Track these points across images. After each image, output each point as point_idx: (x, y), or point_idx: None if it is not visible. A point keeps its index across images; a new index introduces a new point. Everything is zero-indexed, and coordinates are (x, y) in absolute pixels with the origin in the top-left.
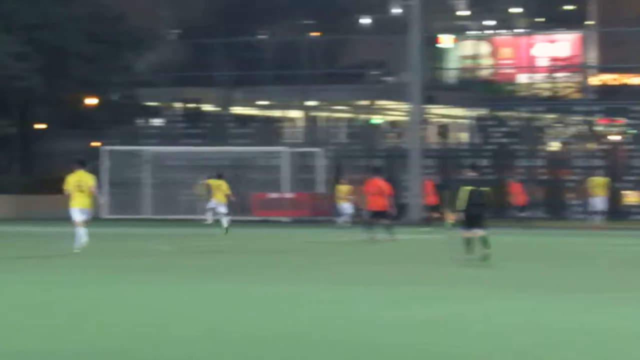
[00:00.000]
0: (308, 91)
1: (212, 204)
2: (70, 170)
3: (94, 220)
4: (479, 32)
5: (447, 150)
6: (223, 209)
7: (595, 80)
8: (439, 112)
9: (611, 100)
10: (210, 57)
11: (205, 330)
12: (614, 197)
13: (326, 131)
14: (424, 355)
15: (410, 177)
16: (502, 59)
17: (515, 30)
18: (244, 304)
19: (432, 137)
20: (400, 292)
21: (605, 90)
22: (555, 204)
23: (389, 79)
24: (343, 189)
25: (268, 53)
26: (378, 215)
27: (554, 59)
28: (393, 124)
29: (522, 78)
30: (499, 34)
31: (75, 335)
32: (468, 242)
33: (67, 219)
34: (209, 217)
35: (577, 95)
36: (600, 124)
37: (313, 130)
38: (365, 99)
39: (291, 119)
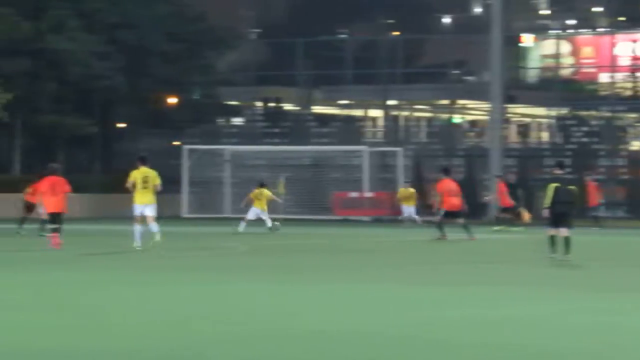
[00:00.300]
0: (388, 90)
1: (251, 215)
2: (134, 167)
3: (174, 218)
4: (560, 31)
5: (527, 149)
6: (264, 216)
7: None
8: (519, 111)
9: None
10: (291, 56)
11: (281, 328)
12: None
13: (406, 130)
14: (498, 355)
15: (490, 177)
16: (583, 58)
17: (597, 30)
18: (325, 303)
19: (513, 137)
20: (477, 291)
21: None
22: (636, 203)
23: (470, 78)
24: (405, 191)
25: (348, 52)
26: (452, 215)
27: (636, 58)
28: (473, 123)
29: (604, 77)
30: (580, 33)
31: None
32: (552, 240)
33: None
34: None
35: None
36: None
37: (393, 130)
38: (445, 98)
39: (372, 118)
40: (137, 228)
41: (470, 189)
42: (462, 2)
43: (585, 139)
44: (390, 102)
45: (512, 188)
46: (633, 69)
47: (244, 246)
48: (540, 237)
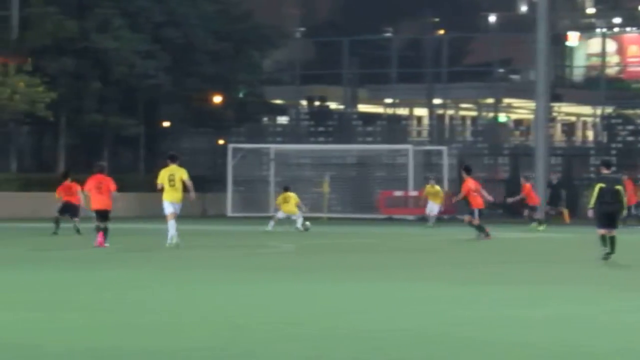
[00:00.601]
0: (434, 89)
1: (280, 214)
2: (164, 165)
3: (219, 217)
4: (606, 30)
5: (572, 148)
6: (295, 217)
7: None
8: (564, 110)
9: None
10: (336, 55)
11: (328, 327)
12: None
13: (451, 129)
14: (549, 354)
15: (536, 176)
16: (629, 56)
17: None
18: (371, 303)
19: (558, 136)
20: (526, 290)
21: None
22: None
23: (515, 76)
24: (431, 189)
25: (394, 51)
26: (479, 212)
27: None
28: (519, 122)
29: None
30: (626, 32)
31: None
32: (604, 240)
33: (190, 217)
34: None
35: None
36: None
37: (438, 128)
38: (491, 96)
39: (417, 117)
40: (171, 224)
41: (516, 188)
42: (507, 1)
43: (630, 138)
44: (435, 101)
45: (554, 188)
46: None
47: (290, 245)
48: (576, 236)
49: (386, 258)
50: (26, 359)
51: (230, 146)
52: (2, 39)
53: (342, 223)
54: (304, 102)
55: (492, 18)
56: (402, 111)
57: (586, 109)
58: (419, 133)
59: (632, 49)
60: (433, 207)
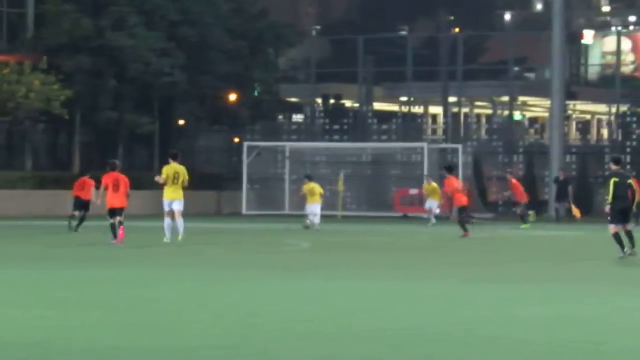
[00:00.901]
0: (449, 87)
1: (310, 208)
2: (166, 163)
3: (234, 215)
4: (621, 28)
5: (587, 147)
6: (318, 210)
7: None
8: (580, 108)
9: None
10: (351, 54)
11: (344, 326)
12: None
13: (467, 127)
14: (563, 352)
15: (551, 174)
16: None
17: None
18: (387, 301)
19: (573, 134)
20: (537, 288)
21: None
22: None
23: (531, 75)
24: (428, 186)
25: (409, 49)
26: (463, 210)
27: None
28: (534, 120)
29: None
30: None
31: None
32: (618, 237)
33: (205, 215)
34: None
35: None
36: None
37: (454, 127)
38: (506, 95)
39: (432, 115)
40: (167, 222)
41: (531, 186)
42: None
43: None
44: (450, 99)
45: (561, 185)
46: None
47: (306, 243)
48: (589, 234)
49: (401, 256)
50: (40, 357)
51: (246, 144)
52: (18, 37)
53: (357, 221)
54: (320, 101)
55: (507, 16)
56: (418, 109)
57: (601, 107)
58: (434, 131)
59: None
60: (432, 205)
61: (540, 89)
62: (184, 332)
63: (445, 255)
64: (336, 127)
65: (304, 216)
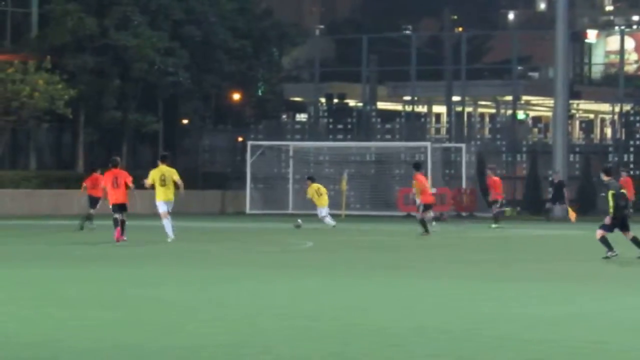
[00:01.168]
0: (453, 86)
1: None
2: (155, 165)
3: (238, 214)
4: (624, 27)
5: (591, 146)
6: (324, 212)
7: None
8: (583, 107)
9: None
10: (355, 53)
11: (347, 324)
12: None
13: (470, 127)
14: (566, 351)
15: (555, 173)
16: None
17: None
18: (390, 300)
19: (576, 133)
20: (544, 288)
21: None
22: None
23: (534, 74)
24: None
25: (413, 48)
26: (427, 207)
27: None
28: (537, 119)
29: None
30: None
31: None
32: (605, 239)
33: (209, 214)
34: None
35: None
36: None
37: (457, 126)
38: (509, 94)
39: (436, 115)
40: (166, 222)
41: (535, 185)
42: None
43: None
44: (454, 98)
45: (556, 187)
46: None
47: (309, 242)
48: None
49: (403, 255)
50: (47, 355)
51: (250, 143)
52: (22, 37)
53: (361, 220)
54: (323, 100)
55: (511, 16)
56: (421, 108)
57: (604, 107)
58: (438, 130)
59: None
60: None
61: (543, 88)
62: (189, 330)
63: (447, 254)
64: (340, 126)
65: (318, 219)
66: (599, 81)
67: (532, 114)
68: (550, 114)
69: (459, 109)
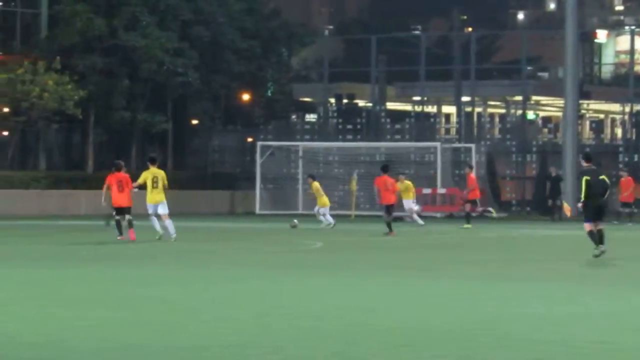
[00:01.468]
0: (462, 87)
1: (322, 210)
2: (145, 168)
3: (248, 214)
4: (634, 27)
5: (601, 146)
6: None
7: None
8: (593, 107)
9: None
10: (364, 53)
11: (357, 324)
12: None
13: (480, 127)
14: (576, 351)
15: (565, 173)
16: None
17: None
18: (399, 300)
19: (586, 133)
20: (552, 287)
21: None
22: None
23: (544, 74)
24: (401, 185)
25: (422, 48)
26: (390, 209)
27: None
28: (547, 119)
29: None
30: None
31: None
32: (593, 236)
33: (219, 215)
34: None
35: None
36: None
37: (467, 126)
38: (519, 94)
39: (445, 115)
40: (154, 220)
41: (544, 185)
42: None
43: None
44: (463, 98)
45: (553, 181)
46: None
47: (318, 243)
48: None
49: (413, 255)
50: (51, 355)
51: (259, 144)
52: (32, 37)
53: (370, 221)
54: (333, 100)
55: (520, 15)
56: (431, 109)
57: (615, 106)
58: (448, 130)
59: None
60: (409, 204)
61: (553, 88)
62: (195, 330)
63: (454, 254)
64: (349, 126)
65: (317, 219)
66: (609, 81)
67: (542, 114)
68: (560, 114)
69: (469, 109)
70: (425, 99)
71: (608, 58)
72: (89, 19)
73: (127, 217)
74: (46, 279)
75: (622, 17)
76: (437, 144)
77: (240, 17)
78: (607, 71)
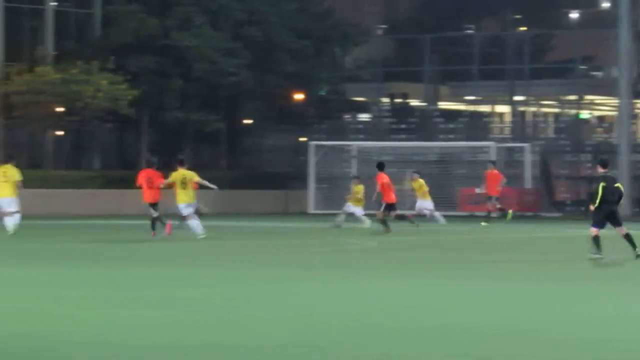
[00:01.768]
0: (515, 86)
1: (358, 210)
2: (174, 169)
3: (301, 214)
4: None
5: None
6: (355, 210)
7: None
8: None
9: None
10: (417, 52)
11: (407, 324)
12: None
13: (534, 126)
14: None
15: (619, 173)
16: None
17: None
18: (452, 300)
19: None
20: (596, 287)
21: None
22: None
23: (597, 73)
24: (416, 184)
25: (475, 48)
26: (389, 208)
27: None
28: (601, 118)
29: None
30: None
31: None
32: (597, 240)
33: (273, 214)
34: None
35: None
36: None
37: (520, 125)
38: (573, 93)
39: (498, 114)
40: (193, 222)
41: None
42: None
43: None
44: (517, 98)
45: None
46: None
47: (372, 242)
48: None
49: (469, 255)
50: (112, 355)
51: (312, 143)
52: (86, 38)
53: (424, 220)
54: (386, 100)
55: (574, 15)
56: (484, 108)
57: None
58: (501, 130)
59: None
60: (425, 204)
61: (607, 88)
62: (246, 330)
63: (509, 253)
64: (402, 126)
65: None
66: None
67: (595, 113)
68: (614, 113)
69: (522, 108)
70: (479, 98)
71: None
72: (142, 19)
73: (154, 213)
74: (100, 279)
75: None
76: (492, 144)
77: (293, 17)
78: None
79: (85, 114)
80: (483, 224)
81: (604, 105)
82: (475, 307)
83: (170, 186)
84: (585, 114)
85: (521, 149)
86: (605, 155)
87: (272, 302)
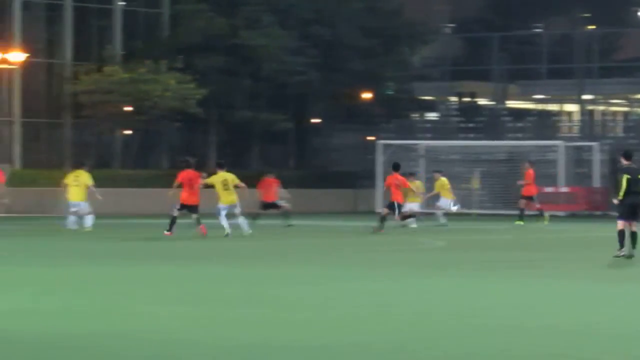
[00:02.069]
0: (584, 85)
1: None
2: (214, 172)
3: (369, 213)
4: None
5: None
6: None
7: None
8: None
9: None
10: (485, 51)
11: (478, 323)
12: None
13: (602, 125)
14: None
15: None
16: None
17: None
18: (516, 298)
19: None
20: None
21: None
22: None
23: None
24: (438, 183)
25: (543, 46)
26: (397, 207)
27: None
28: None
29: None
30: None
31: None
32: (622, 235)
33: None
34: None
35: None
36: None
37: (589, 124)
38: None
39: (567, 113)
40: (241, 220)
41: None
42: None
43: None
44: (585, 97)
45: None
46: None
47: (440, 242)
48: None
49: (537, 255)
50: (185, 354)
51: (380, 142)
52: (154, 37)
53: (492, 219)
54: (454, 98)
55: None
56: (552, 107)
57: None
58: (570, 129)
59: None
60: (445, 203)
61: None
62: (318, 328)
63: (579, 253)
64: (470, 124)
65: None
66: None
67: None
68: None
69: (591, 107)
70: (547, 97)
71: None
72: (210, 18)
73: (194, 216)
74: (167, 276)
75: None
76: (560, 142)
77: (361, 16)
78: None
79: (153, 114)
80: (517, 222)
81: None
82: (532, 306)
83: (208, 186)
84: None
85: (589, 148)
86: (628, 149)
87: (345, 300)
